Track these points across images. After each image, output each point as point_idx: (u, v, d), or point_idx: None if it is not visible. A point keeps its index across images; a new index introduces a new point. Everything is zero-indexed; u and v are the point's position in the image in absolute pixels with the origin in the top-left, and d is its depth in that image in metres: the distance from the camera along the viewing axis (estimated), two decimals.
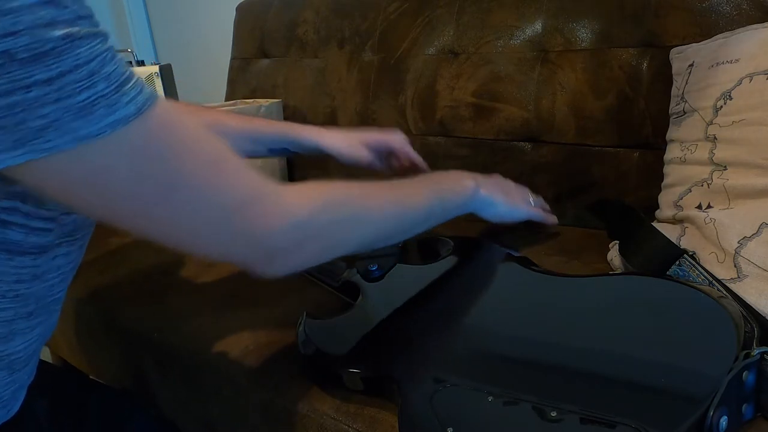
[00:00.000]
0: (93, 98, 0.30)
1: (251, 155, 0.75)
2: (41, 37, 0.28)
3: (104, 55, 0.31)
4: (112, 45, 0.33)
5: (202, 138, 0.37)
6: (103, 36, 0.32)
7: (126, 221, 0.36)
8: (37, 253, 0.40)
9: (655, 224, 0.65)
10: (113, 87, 0.31)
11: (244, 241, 0.38)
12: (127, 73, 0.32)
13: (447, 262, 0.64)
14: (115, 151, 0.32)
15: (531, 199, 0.76)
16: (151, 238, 0.37)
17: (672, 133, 0.73)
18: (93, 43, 0.31)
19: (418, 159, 0.76)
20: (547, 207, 0.79)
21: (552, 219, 0.77)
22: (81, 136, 0.30)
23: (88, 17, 0.31)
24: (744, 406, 0.40)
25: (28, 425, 0.49)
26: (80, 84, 0.30)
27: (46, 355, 1.13)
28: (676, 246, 0.59)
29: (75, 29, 0.30)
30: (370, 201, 0.48)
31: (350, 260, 0.70)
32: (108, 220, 0.36)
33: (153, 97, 0.33)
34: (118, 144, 0.32)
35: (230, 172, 0.38)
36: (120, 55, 0.33)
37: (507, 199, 0.69)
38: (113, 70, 0.31)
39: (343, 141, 0.73)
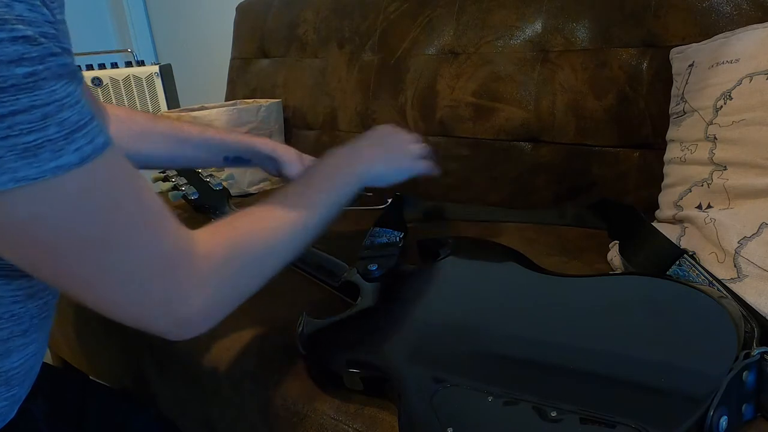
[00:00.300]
0: (40, 141, 0.29)
1: (206, 165, 0.77)
2: (3, 73, 0.28)
3: (65, 100, 0.30)
4: (80, 86, 0.32)
5: (139, 197, 0.36)
6: (71, 77, 0.31)
7: (45, 272, 0.35)
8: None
9: (655, 224, 0.65)
10: (64, 133, 0.30)
11: (161, 309, 0.38)
12: (85, 119, 0.32)
13: (447, 262, 0.64)
14: (49, 198, 0.31)
15: (415, 149, 0.71)
16: (70, 293, 0.36)
17: (672, 133, 0.73)
18: (56, 86, 0.30)
19: None
20: (431, 154, 0.75)
21: (436, 170, 0.75)
22: (19, 177, 0.29)
23: (60, 54, 0.30)
24: (744, 406, 0.40)
25: (25, 427, 0.49)
26: (31, 125, 0.29)
27: (46, 355, 1.13)
28: (676, 246, 0.59)
29: (41, 68, 0.29)
30: (273, 233, 0.47)
31: (350, 260, 0.70)
32: (27, 268, 0.35)
33: (103, 146, 0.33)
34: (54, 191, 0.31)
35: (157, 235, 0.37)
36: (85, 100, 0.32)
37: (393, 165, 0.67)
38: (69, 117, 0.30)
39: (296, 156, 0.76)
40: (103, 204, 0.33)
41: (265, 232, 0.47)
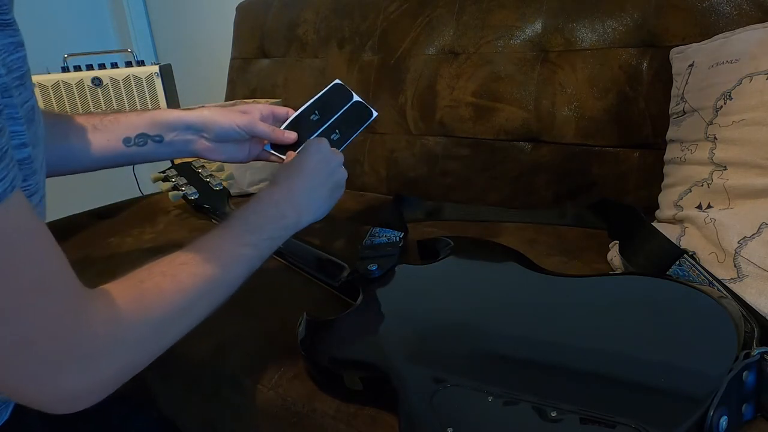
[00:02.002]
0: None
1: (109, 156, 0.63)
2: None
3: None
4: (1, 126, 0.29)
5: (35, 257, 0.32)
6: None
7: None
8: None
9: (655, 224, 0.65)
10: None
11: (32, 384, 0.34)
12: None
13: (447, 262, 0.64)
14: None
15: (343, 182, 0.64)
16: None
17: (672, 133, 0.73)
18: None
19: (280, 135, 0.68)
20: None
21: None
22: None
23: None
24: (744, 406, 0.40)
25: (22, 428, 0.49)
26: None
27: None
28: (676, 246, 0.59)
29: None
30: (184, 296, 0.42)
31: (350, 260, 0.70)
32: None
33: (1, 195, 0.29)
34: None
35: (49, 303, 0.33)
36: (4, 140, 0.29)
37: (327, 207, 0.60)
38: None
39: (213, 110, 0.65)
40: None
41: (176, 294, 0.42)
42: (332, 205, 0.61)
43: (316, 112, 0.71)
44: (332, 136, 0.70)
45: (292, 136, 0.68)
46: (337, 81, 0.75)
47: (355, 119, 0.73)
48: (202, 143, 0.65)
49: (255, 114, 0.67)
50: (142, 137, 0.63)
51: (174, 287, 0.42)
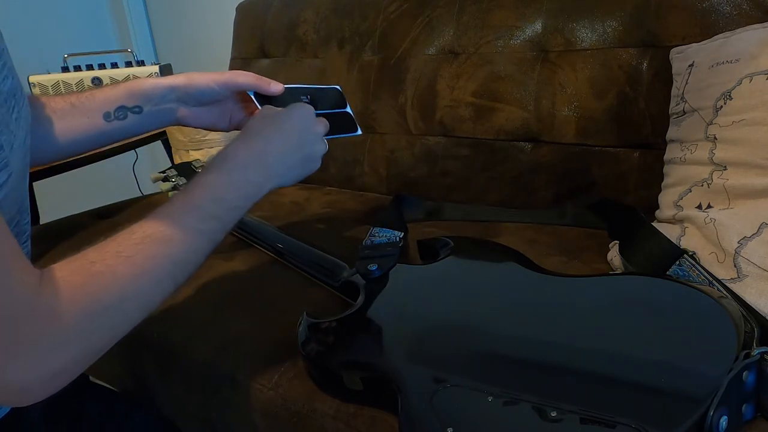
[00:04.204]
0: None
1: (92, 136, 0.60)
2: None
3: None
4: None
5: None
6: None
7: None
8: None
9: (655, 224, 0.65)
10: None
11: None
12: None
13: (447, 262, 0.64)
14: None
15: (323, 148, 0.59)
16: None
17: (672, 133, 0.73)
18: None
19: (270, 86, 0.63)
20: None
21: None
22: None
23: None
24: (744, 406, 0.40)
25: (21, 427, 0.49)
26: None
27: None
28: (676, 246, 0.59)
29: None
30: (140, 278, 0.40)
31: (350, 260, 0.70)
32: None
33: None
34: None
35: None
36: None
37: (300, 172, 0.56)
38: None
39: (188, 75, 0.62)
40: None
41: (131, 278, 0.39)
42: (301, 177, 0.56)
43: (308, 96, 0.68)
44: None
45: (279, 87, 0.63)
46: (338, 86, 0.74)
47: (339, 126, 0.70)
48: (183, 110, 0.63)
49: (237, 72, 0.63)
50: (122, 110, 0.60)
51: (130, 270, 0.39)
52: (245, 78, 0.62)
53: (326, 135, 0.62)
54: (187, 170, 1.02)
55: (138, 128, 0.62)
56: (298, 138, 0.55)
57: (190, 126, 0.65)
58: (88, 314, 0.36)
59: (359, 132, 0.73)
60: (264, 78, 0.63)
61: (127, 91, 0.60)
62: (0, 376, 0.33)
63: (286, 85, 0.65)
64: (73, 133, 0.59)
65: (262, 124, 0.54)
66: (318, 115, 0.61)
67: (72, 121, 0.59)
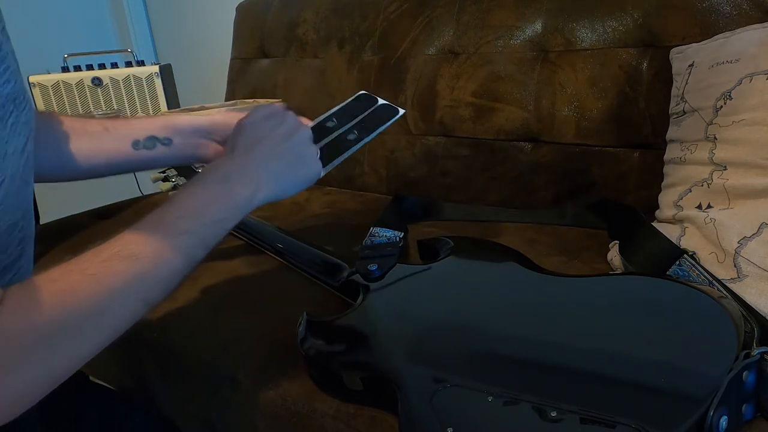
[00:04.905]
0: None
1: (118, 160, 0.60)
2: None
3: None
4: None
5: None
6: None
7: None
8: None
9: (655, 224, 0.65)
10: None
11: None
12: None
13: (447, 262, 0.64)
14: None
15: (314, 151, 0.56)
16: None
17: (672, 133, 0.73)
18: None
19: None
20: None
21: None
22: None
23: None
24: (744, 406, 0.40)
25: (20, 427, 0.49)
26: None
27: None
28: (676, 246, 0.59)
29: None
30: (109, 297, 0.38)
31: (350, 260, 0.70)
32: None
33: None
34: None
35: None
36: None
37: (290, 183, 0.53)
38: None
39: (224, 114, 0.62)
40: None
41: (94, 296, 0.37)
42: (298, 185, 0.53)
43: (334, 119, 0.66)
44: (348, 136, 0.64)
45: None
46: (362, 92, 0.71)
47: (378, 119, 0.67)
48: (214, 147, 0.62)
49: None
50: (151, 140, 0.60)
51: (92, 288, 0.37)
52: None
53: (368, 134, 0.60)
54: (187, 170, 1.02)
55: (165, 160, 0.62)
56: (284, 145, 0.52)
57: None
58: (45, 335, 0.35)
59: (403, 111, 0.69)
60: None
61: (163, 123, 0.61)
62: None
63: (311, 124, 0.63)
64: (99, 156, 0.59)
65: (242, 135, 0.52)
66: (352, 125, 0.61)
67: (100, 144, 0.59)
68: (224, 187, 0.47)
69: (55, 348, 0.35)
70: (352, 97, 0.70)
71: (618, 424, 0.37)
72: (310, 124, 0.63)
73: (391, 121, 0.67)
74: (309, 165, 0.54)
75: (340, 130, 0.63)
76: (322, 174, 0.57)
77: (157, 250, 0.41)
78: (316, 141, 0.59)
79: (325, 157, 0.58)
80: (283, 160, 0.52)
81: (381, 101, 0.70)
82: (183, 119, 0.61)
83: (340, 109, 0.67)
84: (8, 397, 0.33)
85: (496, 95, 0.97)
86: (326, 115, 0.65)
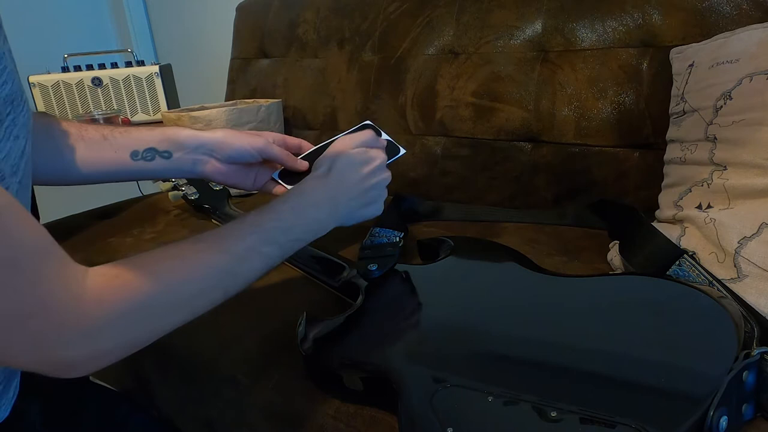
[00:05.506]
0: None
1: (115, 168, 0.62)
2: None
3: None
4: None
5: (3, 233, 0.32)
6: None
7: None
8: None
9: (655, 224, 0.65)
10: None
11: (37, 353, 0.34)
12: None
13: (447, 262, 0.64)
14: None
15: (385, 194, 0.63)
16: None
17: (672, 133, 0.73)
18: None
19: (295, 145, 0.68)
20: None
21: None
22: None
23: None
24: (744, 406, 0.40)
25: (22, 427, 0.49)
26: None
27: None
28: (676, 246, 0.59)
29: None
30: (188, 282, 0.42)
31: (350, 260, 0.70)
32: None
33: None
34: None
35: (24, 276, 0.33)
36: None
37: (363, 216, 0.60)
38: None
39: (227, 132, 0.64)
40: None
41: (186, 277, 0.41)
42: (360, 220, 0.60)
43: None
44: None
45: (304, 164, 0.66)
46: (367, 122, 0.72)
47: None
48: (213, 164, 0.63)
49: (268, 137, 0.65)
50: (151, 151, 0.61)
51: (185, 273, 0.41)
52: (277, 152, 0.64)
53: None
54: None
55: (163, 172, 0.63)
56: (369, 186, 0.58)
57: (214, 181, 0.66)
58: (138, 303, 0.38)
59: (403, 151, 0.71)
60: (291, 155, 0.66)
61: (163, 136, 0.62)
62: (50, 354, 0.34)
63: (312, 147, 0.67)
64: (97, 164, 0.60)
65: (338, 162, 0.58)
66: None
67: (99, 152, 0.60)
68: (315, 213, 0.53)
69: (139, 318, 0.38)
70: (358, 126, 0.71)
71: (618, 424, 0.37)
72: (311, 148, 0.67)
73: (392, 160, 0.68)
74: (377, 206, 0.61)
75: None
76: None
77: (247, 251, 0.46)
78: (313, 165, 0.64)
79: None
80: (362, 200, 0.58)
81: (384, 136, 0.71)
82: (185, 134, 0.62)
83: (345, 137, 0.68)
84: (96, 354, 0.36)
85: (496, 95, 0.97)
86: (328, 141, 0.66)
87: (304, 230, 0.52)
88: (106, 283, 0.37)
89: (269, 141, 0.65)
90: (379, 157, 0.61)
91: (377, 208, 0.61)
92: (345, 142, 0.61)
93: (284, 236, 0.50)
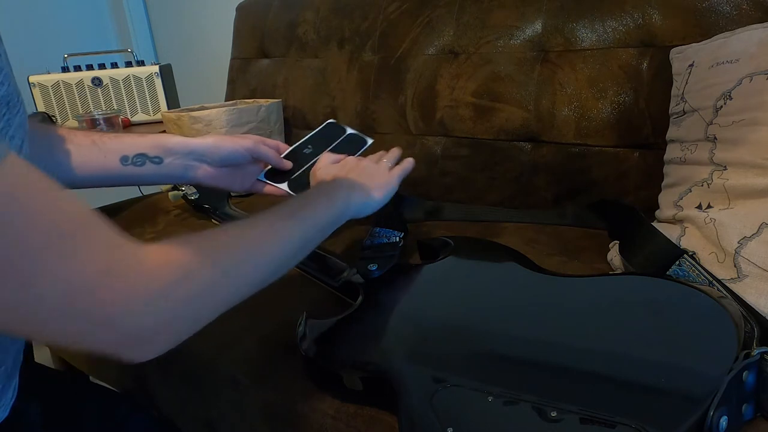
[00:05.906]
0: None
1: (105, 172, 0.62)
2: None
3: None
4: None
5: (53, 207, 0.32)
6: None
7: None
8: None
9: (655, 224, 0.65)
10: None
11: (101, 327, 0.33)
12: None
13: (447, 262, 0.64)
14: None
15: (389, 164, 0.68)
16: None
17: (672, 133, 0.73)
18: None
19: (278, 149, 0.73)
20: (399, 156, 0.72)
21: (408, 163, 0.70)
22: None
23: None
24: (744, 406, 0.40)
25: (21, 428, 0.49)
26: None
27: (46, 356, 1.13)
28: (676, 246, 0.59)
29: None
30: (243, 255, 0.44)
31: (350, 260, 0.70)
32: None
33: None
34: None
35: (82, 246, 0.32)
36: None
37: (375, 193, 0.62)
38: None
39: (216, 137, 0.67)
40: (9, 216, 0.29)
41: (235, 252, 0.43)
42: (382, 195, 0.62)
43: (310, 146, 0.76)
44: None
45: (288, 164, 0.72)
46: (330, 120, 0.80)
47: (349, 147, 0.76)
48: (204, 169, 0.66)
49: (253, 138, 0.69)
50: (141, 157, 0.62)
51: (232, 246, 0.43)
52: (267, 152, 0.69)
53: (350, 155, 0.69)
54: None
55: (153, 177, 0.64)
56: (373, 185, 0.62)
57: (204, 185, 0.68)
58: (201, 270, 0.38)
59: (371, 141, 0.78)
60: (277, 154, 0.72)
61: (154, 142, 0.63)
62: (121, 326, 0.33)
63: (289, 148, 0.74)
64: (86, 168, 0.61)
65: (357, 167, 0.64)
66: (333, 150, 0.72)
67: (89, 156, 0.60)
68: (343, 208, 0.56)
69: (203, 288, 0.39)
70: (322, 125, 0.80)
71: (618, 424, 0.37)
72: (288, 148, 0.74)
73: (361, 151, 0.76)
74: (379, 177, 0.64)
75: (318, 157, 0.71)
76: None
77: (287, 224, 0.48)
78: (295, 166, 0.73)
79: (307, 182, 0.69)
80: (358, 181, 0.62)
81: (349, 130, 0.79)
82: (176, 140, 0.64)
83: (312, 136, 0.78)
84: (162, 326, 0.36)
85: (496, 95, 0.97)
86: (301, 142, 0.76)
87: (332, 220, 0.54)
88: (167, 251, 0.37)
89: (257, 140, 0.69)
90: (382, 163, 0.67)
91: (389, 186, 0.64)
92: (323, 161, 0.67)
93: (304, 217, 0.51)
